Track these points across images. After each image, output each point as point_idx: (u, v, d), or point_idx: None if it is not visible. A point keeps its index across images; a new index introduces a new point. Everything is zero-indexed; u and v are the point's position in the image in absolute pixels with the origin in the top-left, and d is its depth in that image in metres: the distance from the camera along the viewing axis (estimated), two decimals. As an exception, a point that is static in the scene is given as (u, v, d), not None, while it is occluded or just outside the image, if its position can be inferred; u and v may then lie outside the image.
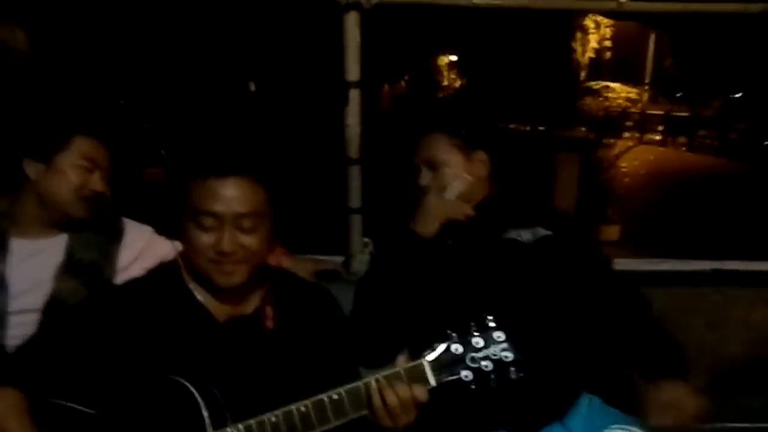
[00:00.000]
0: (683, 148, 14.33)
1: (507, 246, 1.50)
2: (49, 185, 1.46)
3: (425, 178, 1.56)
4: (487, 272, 1.47)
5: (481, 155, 1.57)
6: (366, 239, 1.94)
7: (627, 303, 1.51)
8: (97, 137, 1.49)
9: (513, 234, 1.51)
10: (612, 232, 6.90)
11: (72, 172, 1.46)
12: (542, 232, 1.51)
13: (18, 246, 1.48)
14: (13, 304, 1.44)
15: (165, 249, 1.50)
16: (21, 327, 1.40)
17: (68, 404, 1.18)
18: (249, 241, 1.21)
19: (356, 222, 1.92)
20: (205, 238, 1.19)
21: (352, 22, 1.75)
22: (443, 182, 1.54)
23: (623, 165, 10.57)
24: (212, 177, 1.18)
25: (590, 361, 1.49)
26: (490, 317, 1.17)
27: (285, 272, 1.42)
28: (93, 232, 1.54)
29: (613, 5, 1.79)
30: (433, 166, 1.55)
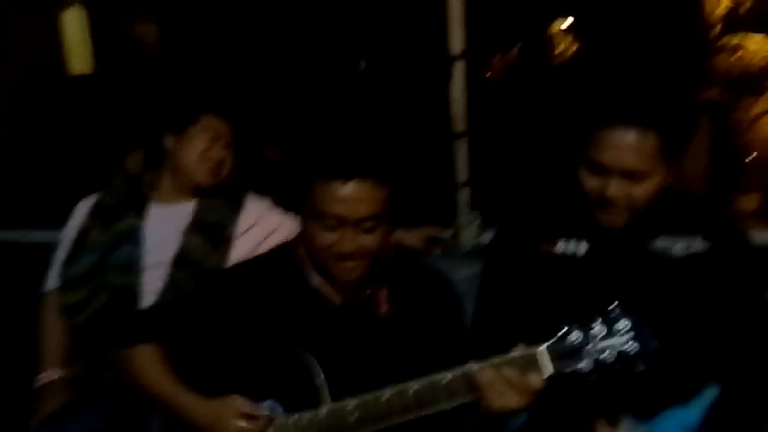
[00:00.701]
0: (838, 106, 12.71)
1: (652, 261, 1.30)
2: (181, 152, 1.70)
3: (617, 189, 1.24)
4: (622, 289, 1.24)
5: (679, 162, 1.27)
6: (474, 212, 1.94)
7: None
8: (221, 115, 1.72)
9: (663, 244, 1.30)
10: (750, 201, 6.31)
11: (198, 140, 1.69)
12: (698, 246, 1.30)
13: (156, 209, 1.73)
14: (147, 259, 1.67)
15: (280, 220, 1.71)
16: (153, 280, 1.63)
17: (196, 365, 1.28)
18: (370, 240, 1.22)
19: (464, 195, 1.92)
20: (327, 237, 1.21)
21: (455, -8, 1.73)
22: (635, 199, 1.25)
23: (763, 128, 9.58)
24: (336, 179, 1.19)
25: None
26: (615, 304, 1.08)
27: (399, 255, 1.42)
28: (219, 199, 1.74)
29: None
30: (632, 176, 1.23)
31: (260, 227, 1.71)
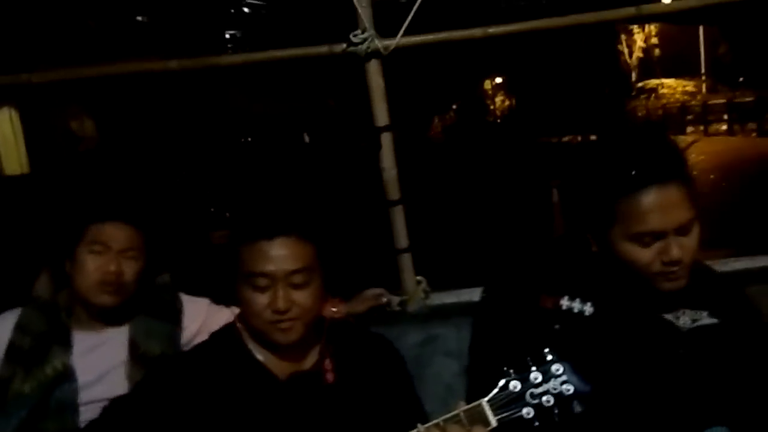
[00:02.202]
0: (753, 134, 13.60)
1: (655, 327, 1.26)
2: (74, 276, 1.50)
3: (677, 248, 1.19)
4: (618, 351, 1.24)
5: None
6: (419, 277, 1.96)
7: None
8: (111, 221, 1.49)
9: (670, 314, 1.27)
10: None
11: (85, 258, 1.48)
12: (706, 319, 1.26)
13: (80, 339, 1.53)
14: (83, 395, 1.48)
15: (223, 319, 1.51)
16: (92, 416, 1.42)
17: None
18: (302, 296, 1.25)
19: (406, 261, 1.94)
20: (261, 299, 1.24)
21: (373, 69, 1.80)
22: (692, 248, 1.21)
23: (689, 161, 10.13)
24: (261, 240, 1.23)
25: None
26: (547, 350, 1.12)
27: (341, 323, 1.45)
28: (152, 318, 1.57)
29: (632, 11, 1.77)
30: (685, 231, 1.20)
31: (206, 333, 1.49)
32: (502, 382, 1.13)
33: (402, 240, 1.92)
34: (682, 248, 1.19)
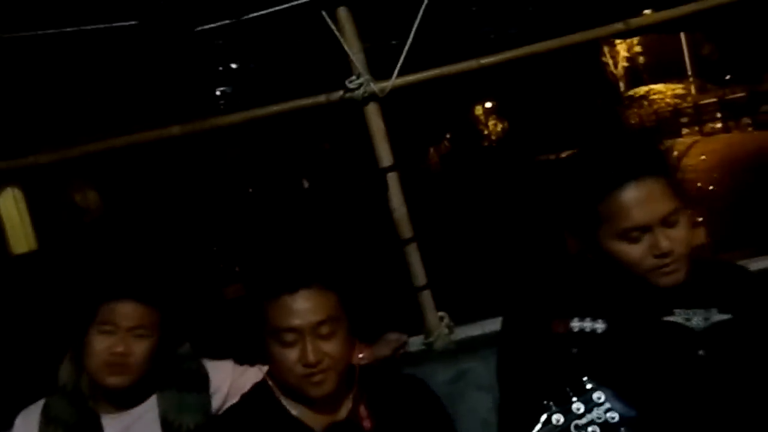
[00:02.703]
0: (749, 129, 13.64)
1: (670, 332, 1.24)
2: (83, 359, 1.46)
3: (669, 239, 1.21)
4: (640, 363, 1.23)
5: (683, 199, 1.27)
6: (441, 313, 1.94)
7: None
8: (120, 299, 1.45)
9: (680, 317, 1.24)
10: (698, 235, 6.53)
11: (92, 341, 1.45)
12: (718, 316, 1.24)
13: (110, 423, 1.49)
14: None
15: (250, 379, 1.50)
16: None
17: None
18: (331, 347, 1.25)
19: (427, 299, 1.92)
20: (290, 354, 1.24)
21: (372, 112, 1.82)
22: (684, 238, 1.22)
23: (690, 164, 10.15)
24: (284, 294, 1.24)
25: None
26: (586, 378, 1.08)
27: (371, 368, 1.44)
28: (180, 391, 1.53)
29: (620, 26, 1.79)
30: (671, 223, 1.22)
31: (235, 396, 1.47)
32: (544, 417, 1.09)
33: (420, 278, 1.91)
34: (671, 240, 1.21)
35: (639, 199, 1.21)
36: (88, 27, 1.64)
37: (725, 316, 1.25)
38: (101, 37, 1.71)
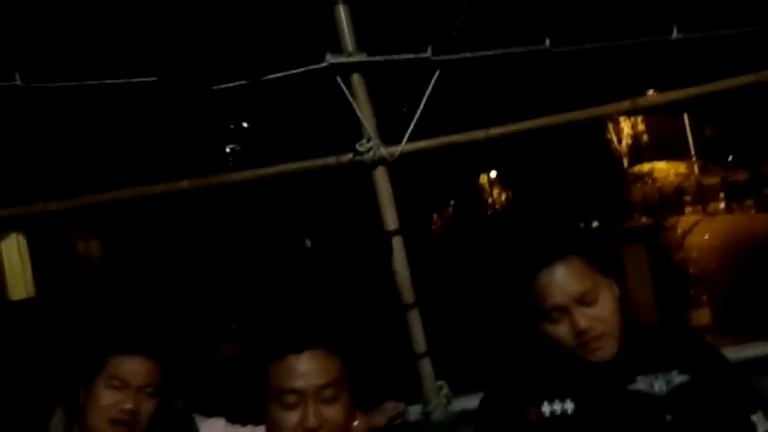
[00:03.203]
0: (752, 211, 13.72)
1: (637, 401, 1.25)
2: (86, 409, 1.42)
3: (585, 318, 1.25)
4: None
5: (611, 276, 1.32)
6: (440, 382, 1.89)
7: None
8: (133, 354, 1.43)
9: (643, 384, 1.27)
10: (701, 316, 6.46)
11: (101, 393, 1.41)
12: (678, 378, 1.27)
13: None
14: None
15: None
16: None
17: None
18: (332, 412, 1.21)
19: (426, 366, 1.88)
20: (291, 417, 1.20)
21: (380, 176, 1.85)
22: (604, 317, 1.27)
23: (693, 242, 10.14)
24: (288, 355, 1.21)
25: None
26: None
27: None
28: None
29: (627, 105, 1.83)
30: (587, 302, 1.26)
31: None
32: None
33: (420, 344, 1.88)
34: (588, 318, 1.25)
35: (551, 282, 1.26)
36: (109, 81, 1.68)
37: (685, 378, 1.27)
38: (119, 91, 1.75)
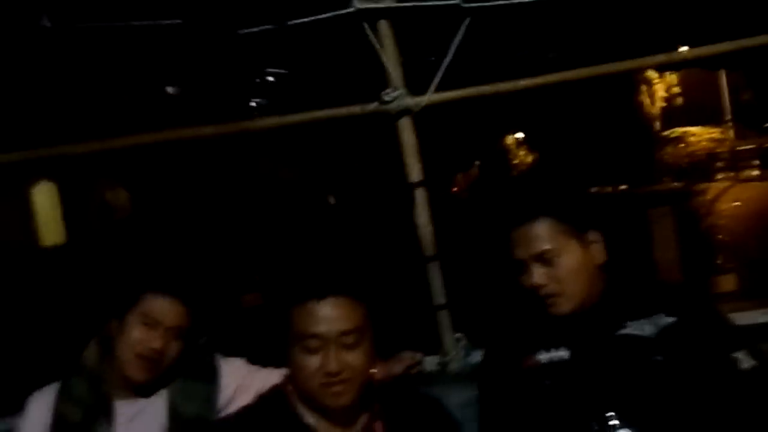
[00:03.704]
0: (787, 178, 13.36)
1: (627, 344, 1.34)
2: (117, 344, 1.47)
3: (538, 275, 1.37)
4: (609, 379, 1.32)
5: (594, 236, 1.39)
6: (458, 334, 1.90)
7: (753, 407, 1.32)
8: (167, 295, 1.48)
9: (633, 328, 1.35)
10: (728, 282, 6.38)
11: (133, 329, 1.46)
12: (665, 320, 1.35)
13: (121, 408, 1.51)
14: None
15: (260, 380, 1.53)
16: None
17: None
18: (354, 357, 1.24)
19: (445, 319, 1.89)
20: (313, 361, 1.23)
21: (405, 127, 1.82)
22: (560, 277, 1.36)
23: (723, 209, 9.92)
24: (311, 300, 1.24)
25: None
26: (612, 414, 1.13)
27: (390, 384, 1.45)
28: (190, 380, 1.55)
29: (662, 59, 1.77)
30: (546, 261, 1.36)
31: (241, 397, 1.52)
32: None
33: (439, 297, 1.88)
34: (543, 275, 1.36)
35: (518, 237, 1.38)
36: (135, 23, 1.67)
37: (672, 319, 1.35)
38: (145, 35, 1.74)
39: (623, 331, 1.36)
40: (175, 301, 1.49)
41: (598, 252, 1.39)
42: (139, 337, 1.46)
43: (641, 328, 1.35)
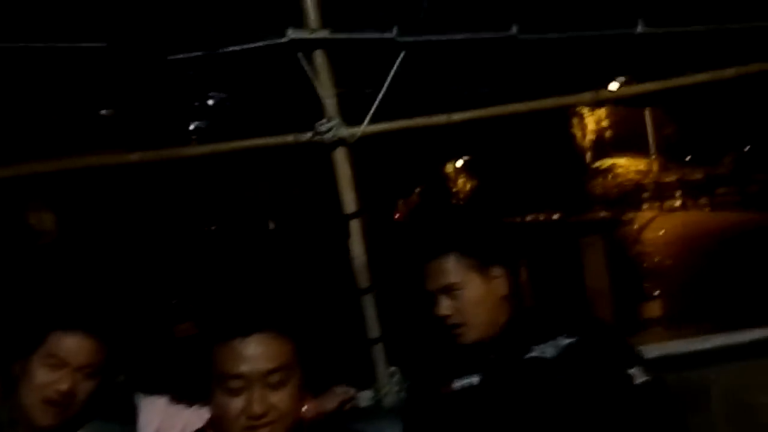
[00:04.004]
0: (706, 209, 14.16)
1: (532, 367, 1.45)
2: (21, 387, 1.36)
3: (444, 306, 1.48)
4: (516, 401, 1.43)
5: (497, 271, 1.50)
6: (393, 368, 1.88)
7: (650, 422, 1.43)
8: (75, 332, 1.37)
9: (536, 352, 1.46)
10: (654, 308, 6.65)
11: (37, 370, 1.35)
12: (564, 341, 1.46)
13: None
14: None
15: (182, 421, 1.45)
16: None
17: None
18: (279, 398, 1.17)
19: (379, 352, 1.87)
20: (235, 403, 1.16)
21: (340, 157, 1.81)
22: (464, 309, 1.47)
23: (649, 237, 10.40)
24: (235, 338, 1.17)
25: None
26: None
27: (319, 424, 1.40)
28: (107, 421, 1.46)
29: (589, 97, 1.83)
30: (451, 293, 1.47)
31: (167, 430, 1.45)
32: None
33: (374, 330, 1.86)
34: (448, 308, 1.47)
35: (428, 272, 1.50)
36: (57, 45, 1.60)
37: (571, 339, 1.46)
38: (69, 56, 1.67)
39: (528, 355, 1.46)
40: (84, 337, 1.37)
41: (501, 285, 1.49)
42: (43, 381, 1.34)
43: (543, 351, 1.45)
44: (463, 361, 1.49)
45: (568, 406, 1.41)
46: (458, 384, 1.47)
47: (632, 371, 1.46)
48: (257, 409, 1.15)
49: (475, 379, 1.46)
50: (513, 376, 1.45)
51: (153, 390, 1.60)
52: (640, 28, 1.87)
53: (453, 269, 1.47)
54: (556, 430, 1.40)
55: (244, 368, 1.16)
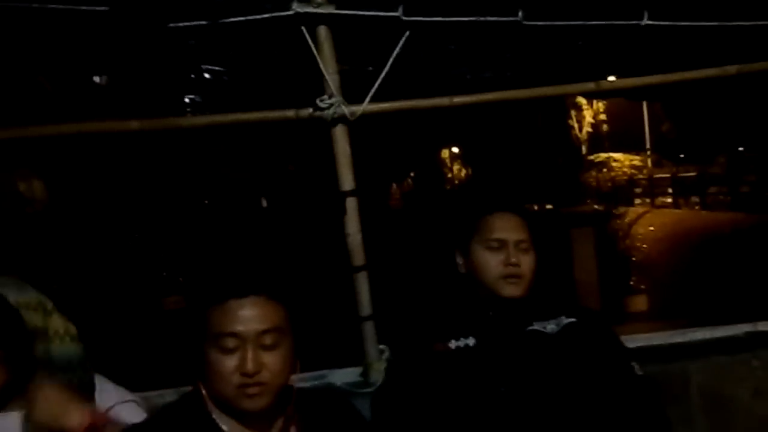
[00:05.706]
0: (697, 207, 14.24)
1: (532, 338, 1.53)
2: None
3: (516, 256, 1.56)
4: (514, 366, 1.49)
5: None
6: (382, 346, 1.90)
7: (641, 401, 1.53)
8: None
9: (538, 326, 1.55)
10: (639, 302, 6.72)
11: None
12: (566, 320, 1.56)
13: None
14: None
15: (121, 418, 1.40)
16: None
17: None
18: (272, 359, 1.20)
19: (369, 329, 1.88)
20: (229, 362, 1.19)
21: (339, 135, 1.80)
22: (528, 264, 1.57)
23: (639, 232, 10.45)
24: (231, 299, 1.20)
25: None
26: None
27: (308, 390, 1.41)
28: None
29: (591, 87, 1.83)
30: (523, 246, 1.58)
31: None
32: None
33: (366, 307, 1.87)
34: (519, 258, 1.55)
35: (509, 221, 1.58)
36: (53, 6, 1.57)
37: (572, 319, 1.55)
38: (67, 19, 1.64)
39: (529, 328, 1.55)
40: None
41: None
42: None
43: (545, 327, 1.55)
44: (460, 325, 1.55)
45: (566, 380, 1.48)
46: (454, 344, 1.53)
47: (633, 363, 1.57)
48: (250, 366, 1.18)
49: (470, 341, 1.53)
50: (512, 344, 1.52)
51: (150, 364, 1.59)
52: (646, 20, 1.86)
53: (526, 229, 1.59)
54: (548, 400, 1.46)
55: (239, 327, 1.19)
